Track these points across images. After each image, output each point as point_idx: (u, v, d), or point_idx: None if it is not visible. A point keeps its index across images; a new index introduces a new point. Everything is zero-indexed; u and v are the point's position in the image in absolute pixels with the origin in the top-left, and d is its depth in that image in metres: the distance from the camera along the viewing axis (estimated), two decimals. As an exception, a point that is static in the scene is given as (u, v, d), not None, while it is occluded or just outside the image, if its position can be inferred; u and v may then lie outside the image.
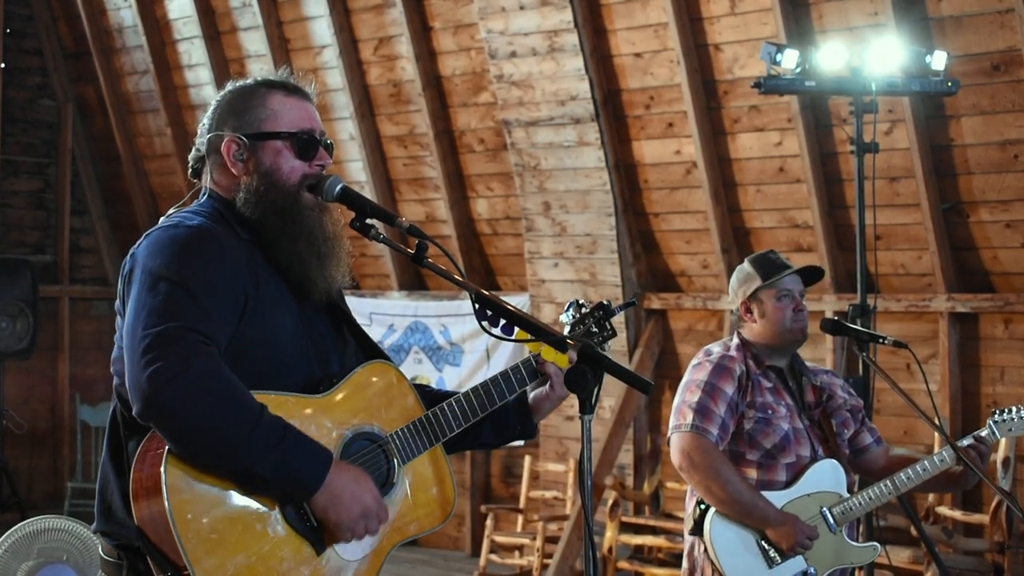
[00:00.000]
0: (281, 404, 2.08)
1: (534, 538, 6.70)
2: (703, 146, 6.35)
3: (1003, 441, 5.53)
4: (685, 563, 3.43)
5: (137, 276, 2.06)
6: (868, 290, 4.82)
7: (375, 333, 7.78)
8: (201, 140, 2.26)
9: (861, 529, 4.22)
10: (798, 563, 3.31)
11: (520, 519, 7.09)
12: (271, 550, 2.02)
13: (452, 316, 7.55)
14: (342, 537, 2.09)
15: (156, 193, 8.96)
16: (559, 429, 7.12)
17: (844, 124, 5.77)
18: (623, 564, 6.57)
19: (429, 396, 2.35)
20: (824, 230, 6.13)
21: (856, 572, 4.12)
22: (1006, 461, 5.54)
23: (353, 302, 7.84)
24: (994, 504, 5.42)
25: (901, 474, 3.36)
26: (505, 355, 7.30)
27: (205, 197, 2.23)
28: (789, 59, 4.85)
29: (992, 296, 5.81)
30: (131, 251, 2.14)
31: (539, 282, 7.18)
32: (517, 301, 7.07)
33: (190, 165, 2.30)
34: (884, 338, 3.47)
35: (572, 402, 2.29)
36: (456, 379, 7.50)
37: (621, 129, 6.72)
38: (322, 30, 7.64)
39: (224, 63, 8.13)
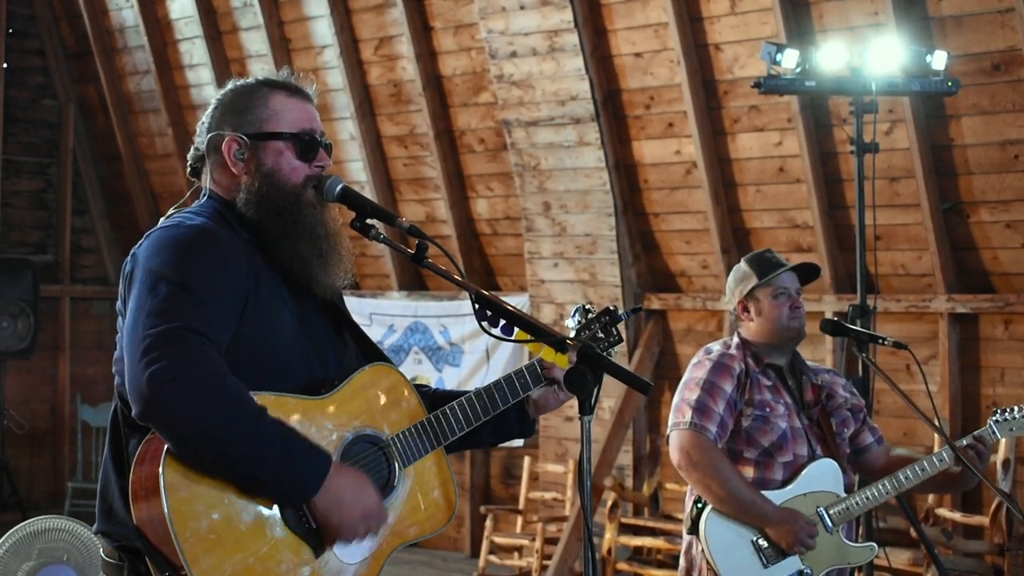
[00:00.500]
0: (281, 405, 2.07)
1: (533, 539, 6.70)
2: (703, 146, 6.35)
3: (1003, 442, 5.53)
4: (682, 562, 3.43)
5: (138, 276, 2.06)
6: (868, 290, 4.82)
7: (375, 333, 7.78)
8: (200, 139, 2.25)
9: (861, 531, 4.21)
10: (794, 563, 3.31)
11: (519, 520, 7.09)
12: (269, 551, 2.02)
13: (452, 316, 7.55)
14: (343, 539, 2.08)
15: (157, 193, 8.96)
16: (558, 430, 7.12)
17: (844, 124, 5.77)
18: (622, 565, 6.57)
19: (430, 397, 2.35)
20: (824, 230, 6.13)
21: (856, 572, 4.12)
22: (1006, 463, 5.54)
23: (353, 302, 7.88)
24: (994, 506, 5.42)
25: (900, 474, 3.36)
26: (505, 355, 7.30)
27: (205, 197, 2.23)
28: (789, 59, 4.85)
29: (992, 297, 5.81)
30: (132, 251, 2.14)
31: (539, 282, 7.18)
32: (517, 301, 7.07)
33: (189, 164, 2.29)
34: (884, 339, 3.48)
35: (572, 403, 2.29)
36: (456, 379, 7.50)
37: (621, 129, 6.72)
38: (323, 30, 7.64)
39: (225, 63, 8.14)
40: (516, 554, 7.02)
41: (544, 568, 6.55)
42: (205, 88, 8.31)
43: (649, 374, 6.80)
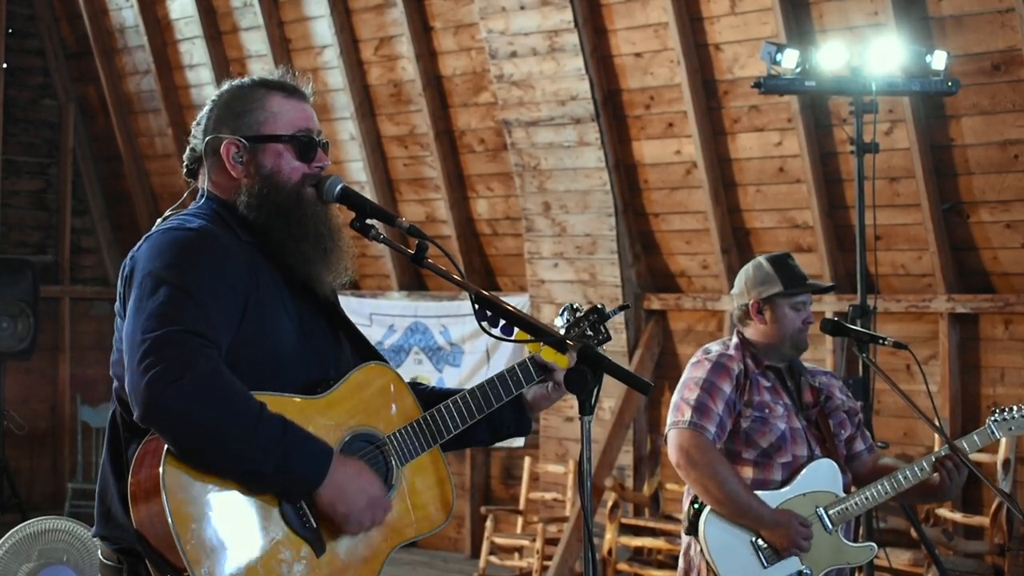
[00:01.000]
0: (279, 404, 2.08)
1: (534, 540, 6.70)
2: (703, 146, 6.35)
3: (1003, 443, 5.53)
4: (681, 563, 3.43)
5: (137, 279, 2.06)
6: (868, 291, 4.82)
7: (375, 333, 7.77)
8: (197, 140, 2.25)
9: (861, 531, 4.21)
10: (793, 563, 3.31)
11: (520, 521, 7.09)
12: (270, 551, 2.02)
13: (452, 316, 7.55)
14: (350, 530, 2.09)
15: (157, 193, 8.96)
16: (559, 430, 7.12)
17: (844, 124, 5.77)
18: (623, 566, 6.57)
19: (426, 395, 2.35)
20: (824, 230, 6.13)
21: (856, 573, 4.12)
22: (1006, 463, 5.54)
23: (353, 302, 7.88)
24: (994, 506, 5.42)
25: (899, 474, 3.36)
26: (505, 355, 7.29)
27: (203, 199, 2.23)
28: (789, 59, 4.85)
29: (992, 297, 5.80)
30: (131, 253, 2.14)
31: (539, 282, 7.17)
32: (517, 301, 7.07)
33: (185, 165, 2.29)
34: (884, 339, 3.47)
35: (572, 403, 2.29)
36: (456, 379, 7.49)
37: (621, 129, 6.72)
38: (323, 30, 7.64)
39: (225, 63, 8.14)
40: (516, 555, 7.02)
41: (544, 569, 6.55)
42: (205, 88, 8.30)
43: (649, 374, 6.80)
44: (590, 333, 2.47)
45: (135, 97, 8.80)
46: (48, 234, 9.22)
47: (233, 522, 2.00)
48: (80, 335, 9.07)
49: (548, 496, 7.05)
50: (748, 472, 3.34)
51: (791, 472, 3.35)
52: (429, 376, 7.62)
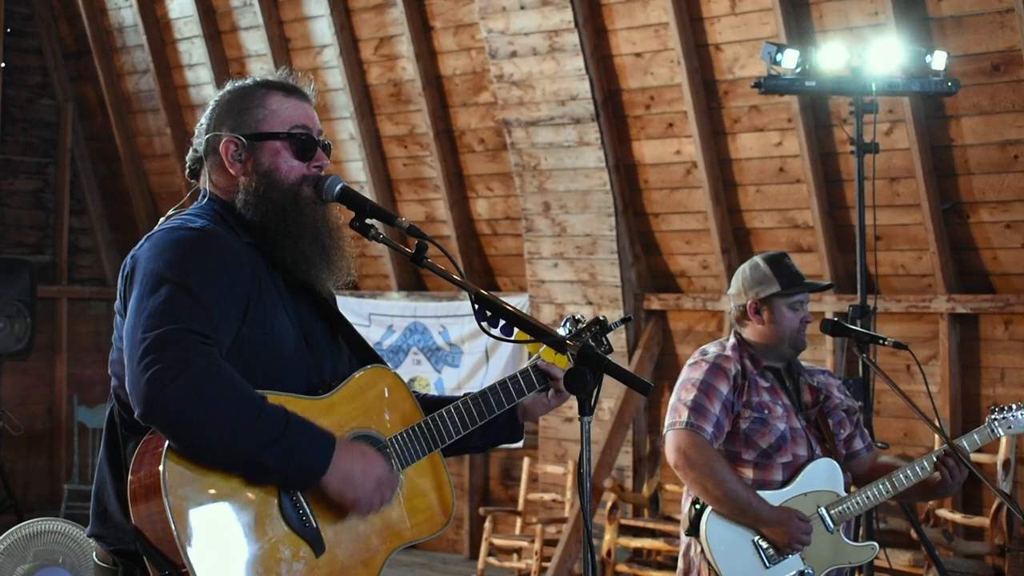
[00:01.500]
0: (281, 403, 2.07)
1: (533, 541, 6.69)
2: (703, 146, 6.34)
3: (1003, 443, 5.52)
4: (681, 563, 3.42)
5: (138, 278, 2.06)
6: (868, 291, 4.80)
7: (374, 334, 7.76)
8: (199, 141, 2.25)
9: (861, 532, 4.20)
10: (795, 563, 3.30)
11: (519, 522, 7.08)
12: (270, 550, 2.01)
13: (451, 317, 7.54)
14: (360, 513, 2.10)
15: (155, 193, 8.95)
16: (558, 431, 7.11)
17: (844, 124, 5.76)
18: (622, 567, 6.56)
19: (425, 402, 2.35)
20: (824, 230, 6.12)
21: (856, 573, 4.11)
22: (1006, 463, 5.53)
23: (352, 302, 7.87)
24: (994, 507, 5.41)
25: (899, 473, 3.35)
26: (504, 356, 7.28)
27: (204, 199, 2.22)
28: (789, 59, 4.84)
29: (992, 297, 5.80)
30: (132, 252, 2.13)
31: (539, 283, 7.16)
32: (516, 302, 7.06)
33: (187, 166, 2.29)
34: (884, 339, 3.46)
35: (571, 403, 2.28)
36: (455, 380, 7.48)
37: (621, 129, 6.71)
38: (323, 29, 7.63)
39: (224, 63, 8.13)
40: (515, 556, 7.00)
41: (543, 570, 6.54)
42: (204, 88, 8.29)
43: (649, 375, 6.79)
44: (592, 344, 2.46)
45: (134, 97, 8.79)
46: (46, 234, 9.20)
47: (233, 520, 1.99)
48: (77, 335, 9.05)
49: (547, 497, 7.04)
50: (749, 473, 3.33)
51: (792, 472, 3.35)
52: (428, 377, 7.61)
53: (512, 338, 2.28)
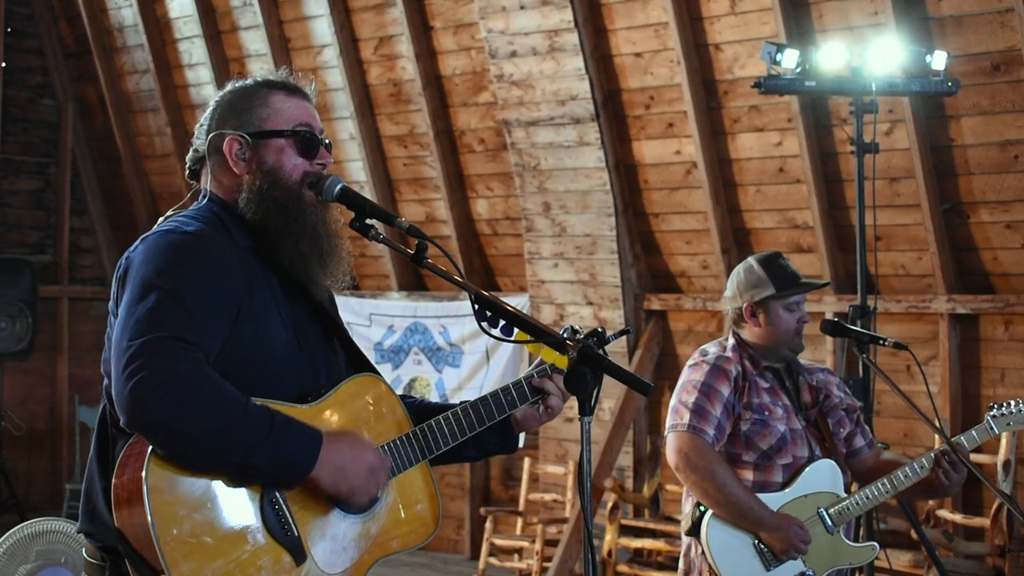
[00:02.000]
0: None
1: (533, 541, 6.69)
2: (703, 146, 6.34)
3: (1003, 443, 5.52)
4: (681, 564, 3.42)
5: (129, 283, 2.06)
6: (868, 291, 4.80)
7: (375, 334, 7.76)
8: (200, 140, 2.25)
9: (862, 532, 4.20)
10: (796, 564, 3.30)
11: (519, 522, 7.08)
12: (250, 558, 2.00)
13: (452, 317, 7.54)
14: (357, 503, 2.10)
15: (156, 193, 8.95)
16: (558, 431, 7.11)
17: (844, 124, 5.76)
18: (623, 567, 6.56)
19: (416, 409, 2.34)
20: (824, 230, 6.12)
21: (856, 573, 4.11)
22: (1006, 464, 5.53)
23: (353, 302, 7.87)
24: (994, 507, 5.41)
25: (899, 473, 3.35)
26: (505, 356, 7.28)
27: (204, 200, 2.22)
28: (789, 59, 4.84)
29: (992, 297, 5.80)
30: (127, 253, 2.13)
31: (539, 283, 7.16)
32: (517, 302, 7.06)
33: (188, 166, 2.29)
34: (884, 339, 3.46)
35: (572, 404, 2.28)
36: (456, 380, 7.49)
37: (621, 129, 6.71)
38: (322, 29, 7.63)
39: (224, 62, 8.13)
40: (516, 556, 7.00)
41: (544, 570, 6.54)
42: (204, 87, 8.29)
43: (649, 375, 6.79)
44: (591, 345, 2.46)
45: (134, 96, 8.79)
46: (47, 234, 9.20)
47: (213, 527, 1.99)
48: (79, 335, 9.05)
49: (548, 497, 7.04)
50: (749, 474, 3.33)
51: (792, 473, 3.34)
52: (428, 377, 7.61)
53: (512, 338, 2.28)
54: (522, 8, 6.62)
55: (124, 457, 2.02)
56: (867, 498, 3.35)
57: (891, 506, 5.27)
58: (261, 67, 7.88)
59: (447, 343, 7.57)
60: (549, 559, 6.55)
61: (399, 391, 2.40)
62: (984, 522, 5.49)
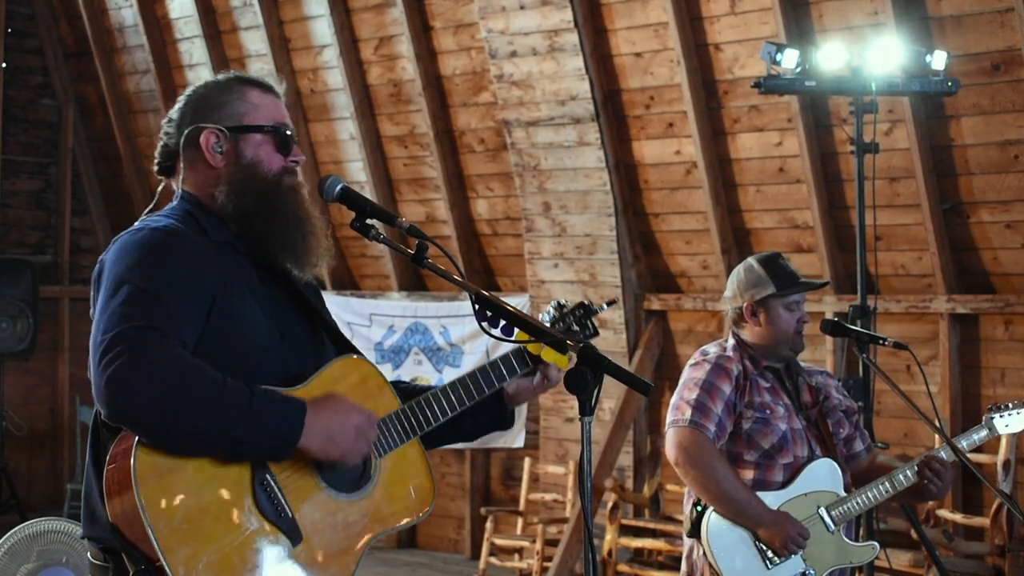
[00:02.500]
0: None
1: (534, 541, 6.69)
2: (703, 146, 6.35)
3: (1003, 443, 5.52)
4: (684, 566, 3.42)
5: (103, 282, 2.08)
6: (868, 291, 4.81)
7: (375, 334, 7.77)
8: (171, 136, 2.25)
9: (862, 532, 4.21)
10: (796, 564, 3.30)
11: (520, 522, 7.08)
12: (245, 540, 2.01)
13: (452, 317, 7.54)
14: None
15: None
16: (559, 431, 7.12)
17: (844, 124, 5.76)
18: (623, 567, 6.56)
19: (405, 392, 2.35)
20: (824, 230, 6.12)
21: (857, 573, 4.11)
22: (1006, 464, 5.53)
23: (353, 302, 7.88)
24: (994, 507, 5.41)
25: (899, 474, 3.35)
26: (505, 356, 7.28)
27: (178, 199, 2.24)
28: (789, 59, 4.84)
29: (992, 297, 5.80)
30: (101, 256, 2.16)
31: (539, 283, 7.17)
32: (517, 302, 7.07)
33: (157, 162, 2.30)
34: (884, 339, 3.46)
35: (572, 404, 2.28)
36: (456, 380, 7.47)
37: (621, 129, 6.71)
38: (323, 29, 7.63)
39: (225, 62, 8.13)
40: (516, 556, 7.01)
41: (544, 570, 6.54)
42: (204, 88, 8.29)
43: (649, 375, 6.79)
44: (576, 328, 2.48)
45: (134, 97, 8.79)
46: (47, 234, 9.21)
47: (207, 513, 1.99)
48: (79, 335, 9.05)
49: (548, 497, 7.04)
50: (750, 473, 3.33)
51: (792, 473, 3.35)
52: (429, 377, 7.61)
53: (512, 338, 2.28)
54: (522, 8, 6.63)
55: (113, 451, 2.03)
56: (868, 499, 3.35)
57: (891, 506, 5.27)
58: (261, 67, 7.88)
59: (447, 343, 7.58)
60: (549, 559, 6.56)
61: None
62: (984, 522, 5.49)
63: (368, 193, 7.62)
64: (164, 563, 1.93)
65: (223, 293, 2.11)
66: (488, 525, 6.90)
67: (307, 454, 2.06)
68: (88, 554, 2.16)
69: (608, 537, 6.47)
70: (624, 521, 6.58)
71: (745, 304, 3.43)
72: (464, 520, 7.64)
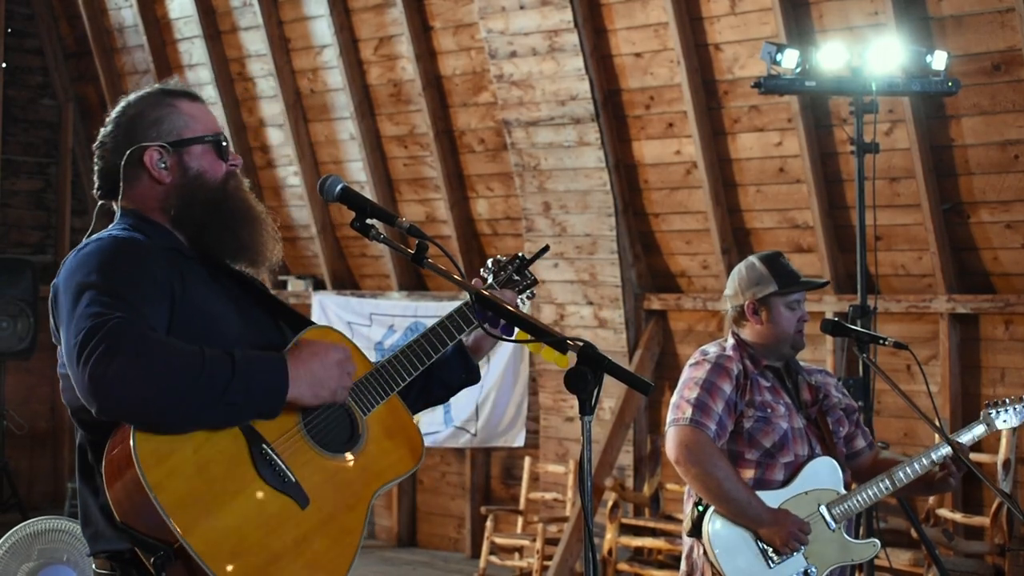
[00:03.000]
0: None
1: (534, 540, 6.70)
2: (703, 146, 6.35)
3: (1003, 443, 5.53)
4: (684, 565, 3.42)
5: (61, 301, 2.10)
6: (868, 291, 4.81)
7: (375, 333, 7.77)
8: (107, 160, 2.26)
9: (862, 531, 4.21)
10: (798, 562, 3.31)
11: (520, 521, 7.09)
12: (256, 511, 2.04)
13: (452, 316, 7.54)
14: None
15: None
16: (559, 430, 7.12)
17: (844, 124, 5.76)
18: (623, 566, 6.57)
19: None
20: (824, 230, 6.12)
21: (856, 573, 4.12)
22: (1006, 463, 5.53)
23: (353, 302, 7.88)
24: (994, 506, 5.41)
25: (899, 471, 3.36)
26: (505, 355, 7.30)
27: (119, 218, 2.26)
28: (789, 59, 4.85)
29: (992, 297, 5.80)
30: (52, 282, 2.17)
31: (539, 283, 7.16)
32: (517, 301, 7.06)
33: (97, 185, 2.30)
34: (884, 339, 3.47)
35: (572, 403, 2.29)
36: (456, 379, 7.48)
37: (621, 129, 6.71)
38: (322, 30, 7.64)
39: (225, 63, 8.13)
40: (517, 555, 7.01)
41: (545, 569, 6.55)
42: (205, 88, 8.29)
43: (649, 374, 6.80)
44: (517, 278, 2.59)
45: (135, 97, 8.79)
46: (47, 234, 9.21)
47: (214, 488, 2.02)
48: (80, 335, 9.05)
49: (548, 496, 7.05)
50: (751, 472, 3.34)
51: (793, 471, 3.35)
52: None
53: (512, 338, 2.29)
54: (522, 8, 6.63)
55: (109, 447, 2.06)
56: (868, 496, 3.36)
57: (891, 505, 5.28)
58: (261, 67, 7.89)
59: (447, 343, 7.57)
60: (550, 558, 6.56)
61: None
62: (984, 521, 5.49)
63: (368, 193, 7.63)
64: (184, 543, 1.95)
65: (181, 287, 2.14)
66: (488, 524, 6.91)
67: (299, 402, 2.10)
68: (93, 565, 2.18)
69: (608, 536, 6.48)
70: (624, 520, 6.58)
71: (746, 302, 3.43)
72: (464, 519, 7.65)
